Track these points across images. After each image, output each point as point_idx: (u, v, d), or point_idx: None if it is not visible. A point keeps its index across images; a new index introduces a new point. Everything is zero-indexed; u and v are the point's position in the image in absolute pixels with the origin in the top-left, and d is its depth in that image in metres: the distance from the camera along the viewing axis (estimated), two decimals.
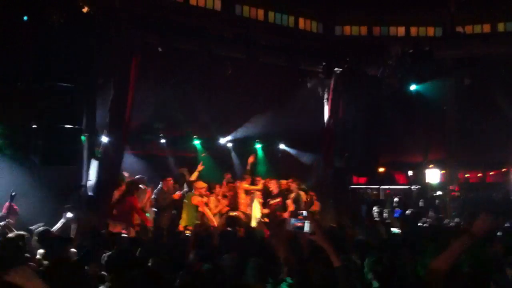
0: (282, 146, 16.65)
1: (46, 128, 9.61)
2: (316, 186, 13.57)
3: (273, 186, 12.47)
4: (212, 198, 11.45)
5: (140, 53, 11.02)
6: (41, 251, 6.28)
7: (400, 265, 5.75)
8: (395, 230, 9.32)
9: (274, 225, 10.19)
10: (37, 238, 6.75)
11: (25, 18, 9.65)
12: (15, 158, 9.83)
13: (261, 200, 12.37)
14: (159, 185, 11.97)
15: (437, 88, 15.20)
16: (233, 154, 16.00)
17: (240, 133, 15.50)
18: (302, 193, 12.42)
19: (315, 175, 14.51)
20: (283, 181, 12.88)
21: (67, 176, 10.20)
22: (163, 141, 14.89)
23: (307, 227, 3.52)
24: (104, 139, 10.87)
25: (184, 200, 11.67)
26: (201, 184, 11.67)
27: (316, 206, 12.68)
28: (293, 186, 12.49)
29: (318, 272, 4.80)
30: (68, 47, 9.58)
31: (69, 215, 8.87)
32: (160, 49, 11.25)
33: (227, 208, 11.94)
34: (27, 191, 9.32)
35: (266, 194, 12.50)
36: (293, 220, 3.67)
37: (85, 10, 9.95)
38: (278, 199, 12.34)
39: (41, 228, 7.18)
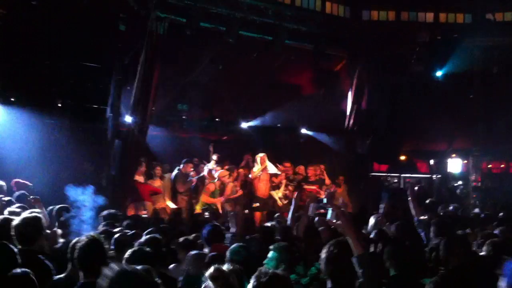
0: (304, 131, 16.57)
1: (72, 106, 9.75)
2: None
3: (311, 172, 12.37)
4: (230, 184, 11.49)
5: (167, 34, 11.05)
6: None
7: (419, 253, 5.77)
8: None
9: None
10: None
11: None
12: (42, 135, 9.99)
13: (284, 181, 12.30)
14: (177, 169, 12.10)
15: (464, 76, 14.98)
16: (254, 137, 15.99)
17: (262, 117, 15.47)
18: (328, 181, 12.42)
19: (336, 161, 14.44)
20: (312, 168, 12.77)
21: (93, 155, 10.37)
22: (186, 122, 14.98)
23: (330, 214, 3.54)
24: (128, 119, 10.97)
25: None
26: (223, 173, 11.71)
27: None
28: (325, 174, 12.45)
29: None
30: (95, 27, 9.66)
31: None
32: (188, 32, 11.22)
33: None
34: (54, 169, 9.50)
35: (302, 179, 12.43)
36: (315, 207, 3.68)
37: None
38: (314, 186, 12.23)
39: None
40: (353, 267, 3.65)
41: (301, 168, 12.80)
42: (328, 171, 13.07)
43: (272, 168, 12.16)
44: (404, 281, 4.59)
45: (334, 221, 3.62)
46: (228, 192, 11.50)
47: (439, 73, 14.68)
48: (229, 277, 3.48)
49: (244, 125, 15.85)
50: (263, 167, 11.91)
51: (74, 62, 9.60)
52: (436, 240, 6.12)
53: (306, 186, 12.22)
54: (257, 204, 11.48)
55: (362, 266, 3.58)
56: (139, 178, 11.27)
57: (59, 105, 9.77)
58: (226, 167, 12.28)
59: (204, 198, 11.34)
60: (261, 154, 12.21)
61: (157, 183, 11.27)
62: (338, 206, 3.77)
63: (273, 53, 13.11)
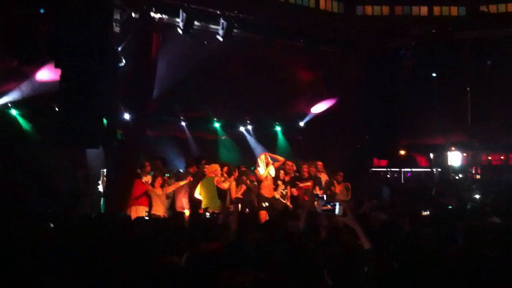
0: (301, 130, 16.54)
1: (68, 109, 9.66)
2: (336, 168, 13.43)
3: (304, 169, 12.28)
4: (233, 183, 11.37)
5: (160, 34, 11.02)
6: None
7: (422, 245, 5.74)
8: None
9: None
10: None
11: (42, 10, 9.65)
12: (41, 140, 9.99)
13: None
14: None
15: (459, 69, 14.95)
16: (253, 136, 15.98)
17: (259, 115, 15.45)
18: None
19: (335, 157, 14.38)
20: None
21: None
22: (183, 123, 14.94)
23: (337, 209, 3.50)
24: (126, 116, 10.91)
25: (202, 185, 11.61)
26: (213, 167, 11.52)
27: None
28: (322, 171, 12.36)
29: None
30: (89, 28, 9.57)
31: None
32: (180, 32, 11.17)
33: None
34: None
35: (295, 177, 12.33)
36: (322, 203, 3.63)
37: None
38: (308, 183, 12.16)
39: None
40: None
41: (289, 164, 12.65)
42: (327, 168, 12.97)
43: (272, 169, 12.02)
44: (408, 274, 4.56)
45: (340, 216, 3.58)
46: (233, 191, 11.38)
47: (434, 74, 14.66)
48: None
49: (242, 128, 15.87)
50: (269, 168, 11.76)
51: (70, 64, 9.50)
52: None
53: (300, 184, 12.14)
54: (266, 204, 11.36)
55: (370, 260, 3.55)
56: (147, 179, 11.12)
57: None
58: (226, 169, 12.17)
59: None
60: (261, 156, 12.00)
61: (147, 178, 11.10)
62: (344, 201, 3.75)
63: (267, 51, 13.06)
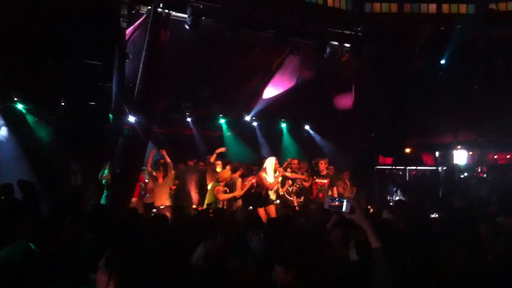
0: (307, 128, 16.47)
1: (75, 105, 9.67)
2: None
3: (322, 166, 11.93)
4: (239, 179, 11.28)
5: (168, 30, 10.96)
6: None
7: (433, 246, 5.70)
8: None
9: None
10: None
11: None
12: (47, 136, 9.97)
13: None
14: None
15: (468, 67, 14.85)
16: (258, 133, 15.93)
17: (266, 111, 15.37)
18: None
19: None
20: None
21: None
22: (189, 119, 14.92)
23: (345, 206, 3.43)
24: (131, 118, 10.86)
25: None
26: (225, 174, 11.36)
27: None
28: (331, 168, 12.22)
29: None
30: (96, 25, 9.55)
31: None
32: (189, 29, 11.08)
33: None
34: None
35: (314, 171, 12.07)
36: (329, 200, 3.56)
37: None
38: (325, 180, 11.82)
39: None
40: None
41: (294, 163, 12.31)
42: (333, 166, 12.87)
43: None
44: (420, 273, 4.53)
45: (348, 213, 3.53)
46: (238, 188, 11.27)
47: (443, 61, 14.47)
48: None
49: (247, 118, 15.76)
50: (280, 174, 11.01)
51: (77, 61, 9.48)
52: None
53: (317, 180, 11.87)
54: (277, 202, 11.16)
55: (379, 259, 3.50)
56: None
57: (62, 104, 9.70)
58: (228, 166, 12.08)
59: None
60: (272, 160, 10.97)
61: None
62: (352, 198, 3.71)
63: (275, 48, 12.99)
